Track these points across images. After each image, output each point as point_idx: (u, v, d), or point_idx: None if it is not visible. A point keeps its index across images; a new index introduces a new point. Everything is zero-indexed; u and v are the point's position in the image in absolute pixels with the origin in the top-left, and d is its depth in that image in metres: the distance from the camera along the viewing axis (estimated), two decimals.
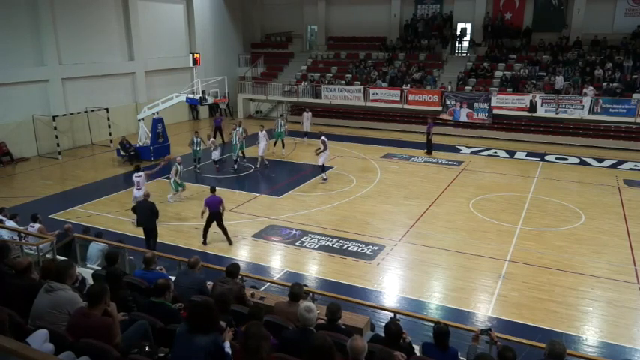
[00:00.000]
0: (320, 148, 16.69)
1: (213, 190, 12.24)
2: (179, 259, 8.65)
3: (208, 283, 6.90)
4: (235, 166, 18.52)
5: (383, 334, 5.42)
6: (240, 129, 18.53)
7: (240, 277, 7.29)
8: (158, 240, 11.52)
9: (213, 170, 18.36)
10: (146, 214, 11.24)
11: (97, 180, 17.54)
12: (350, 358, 4.20)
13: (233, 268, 6.82)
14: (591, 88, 22.35)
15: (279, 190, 16.36)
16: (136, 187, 13.62)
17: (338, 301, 6.37)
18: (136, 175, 13.72)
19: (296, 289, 5.95)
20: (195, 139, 18.05)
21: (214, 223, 11.91)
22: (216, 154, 18.37)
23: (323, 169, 16.96)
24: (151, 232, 11.35)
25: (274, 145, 20.69)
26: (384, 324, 5.54)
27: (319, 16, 31.79)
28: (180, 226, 13.26)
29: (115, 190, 16.32)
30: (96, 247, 9.75)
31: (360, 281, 10.36)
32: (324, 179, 16.94)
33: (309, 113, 23.29)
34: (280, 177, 18.09)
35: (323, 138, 16.89)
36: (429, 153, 20.70)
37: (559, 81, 23.14)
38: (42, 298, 4.65)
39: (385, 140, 23.42)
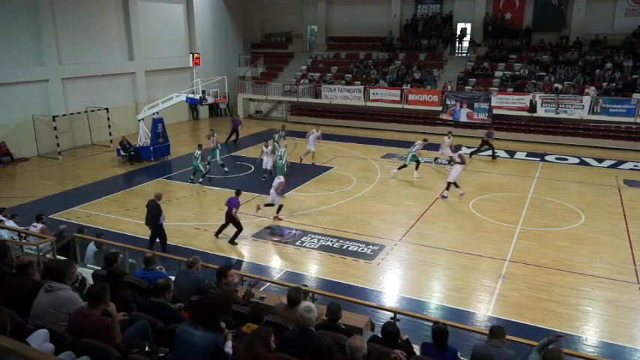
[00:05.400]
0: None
1: (237, 193, 12.45)
2: (179, 259, 8.65)
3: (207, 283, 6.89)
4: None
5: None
6: (283, 132, 20.07)
7: (240, 277, 7.28)
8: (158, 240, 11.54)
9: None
10: (151, 214, 11.25)
11: (96, 180, 17.53)
12: (348, 357, 4.20)
13: (221, 269, 6.74)
14: (593, 88, 22.35)
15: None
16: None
17: (338, 301, 6.36)
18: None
19: (293, 295, 5.68)
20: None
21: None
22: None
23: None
24: (155, 233, 11.36)
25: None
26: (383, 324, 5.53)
27: (319, 16, 31.79)
28: (181, 226, 13.26)
29: (115, 190, 16.34)
30: (93, 249, 9.76)
31: (360, 281, 10.35)
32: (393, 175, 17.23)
33: (451, 139, 18.72)
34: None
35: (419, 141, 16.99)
36: (494, 158, 20.25)
37: (558, 87, 23.11)
38: (42, 298, 4.65)
39: (385, 140, 23.41)
